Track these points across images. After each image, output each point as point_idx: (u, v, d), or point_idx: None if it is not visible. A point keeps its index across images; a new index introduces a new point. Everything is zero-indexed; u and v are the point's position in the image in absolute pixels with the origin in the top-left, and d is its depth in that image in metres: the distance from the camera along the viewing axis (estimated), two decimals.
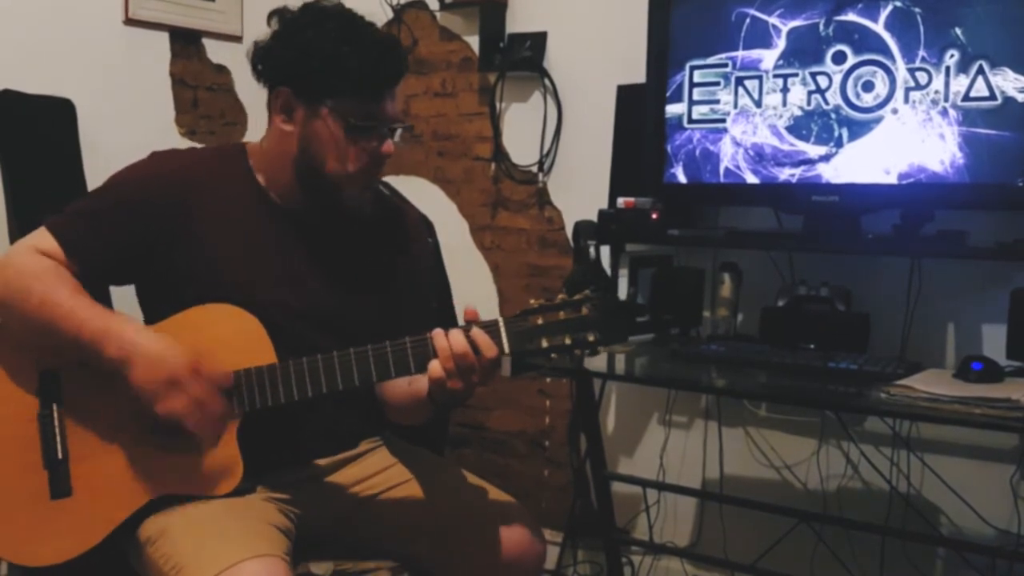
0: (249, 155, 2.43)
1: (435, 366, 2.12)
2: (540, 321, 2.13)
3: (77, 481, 2.26)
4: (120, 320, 2.19)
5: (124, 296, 2.49)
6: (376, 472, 2.51)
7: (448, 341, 2.12)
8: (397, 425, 2.58)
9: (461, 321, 2.22)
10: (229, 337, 2.27)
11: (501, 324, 2.16)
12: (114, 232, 2.29)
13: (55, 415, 2.28)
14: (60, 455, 2.26)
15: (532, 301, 2.16)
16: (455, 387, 2.14)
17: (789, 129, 3.13)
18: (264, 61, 2.32)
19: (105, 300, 2.54)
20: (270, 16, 2.33)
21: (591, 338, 2.12)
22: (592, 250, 3.20)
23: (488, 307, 4.13)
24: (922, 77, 2.93)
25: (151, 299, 2.40)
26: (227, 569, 2.01)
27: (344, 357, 2.20)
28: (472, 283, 4.04)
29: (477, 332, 2.14)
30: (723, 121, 3.25)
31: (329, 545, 2.45)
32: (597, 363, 3.18)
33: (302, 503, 2.39)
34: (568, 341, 2.12)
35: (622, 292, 3.37)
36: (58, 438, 2.27)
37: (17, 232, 3.11)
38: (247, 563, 2.03)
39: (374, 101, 2.27)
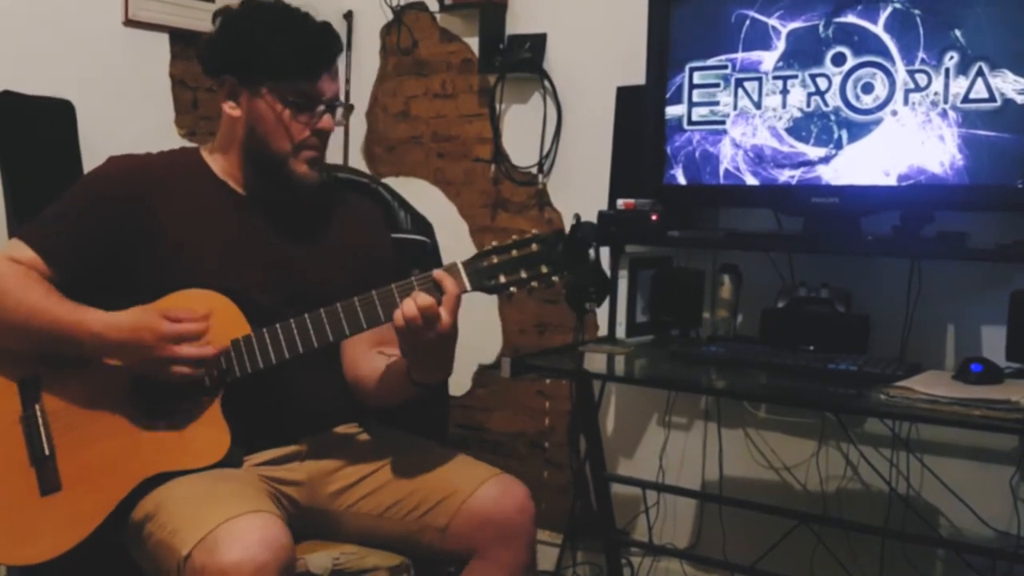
0: (202, 153, 2.56)
1: (397, 315, 2.22)
2: (495, 260, 2.28)
3: (66, 475, 2.30)
4: (87, 312, 2.30)
5: None
6: (364, 448, 2.56)
7: (412, 296, 2.23)
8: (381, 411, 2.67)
9: None
10: None
11: (460, 265, 2.28)
12: (85, 231, 2.39)
13: (38, 414, 2.32)
14: (47, 451, 2.30)
15: (487, 245, 2.30)
16: (420, 334, 2.23)
17: (789, 131, 3.13)
18: (209, 54, 2.49)
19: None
20: (214, 16, 2.50)
21: (544, 270, 2.27)
22: (592, 251, 3.20)
23: (488, 307, 4.13)
24: (921, 79, 2.93)
25: (122, 298, 2.42)
26: (224, 523, 2.04)
27: (315, 316, 2.30)
28: None
29: (439, 273, 2.27)
30: (723, 123, 3.25)
31: (319, 538, 2.47)
32: (597, 364, 3.22)
33: (291, 479, 2.44)
34: (524, 275, 2.27)
35: (621, 292, 3.37)
36: (43, 435, 2.31)
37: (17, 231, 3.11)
38: (243, 517, 2.06)
39: (310, 80, 2.41)
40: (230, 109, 2.47)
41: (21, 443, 2.31)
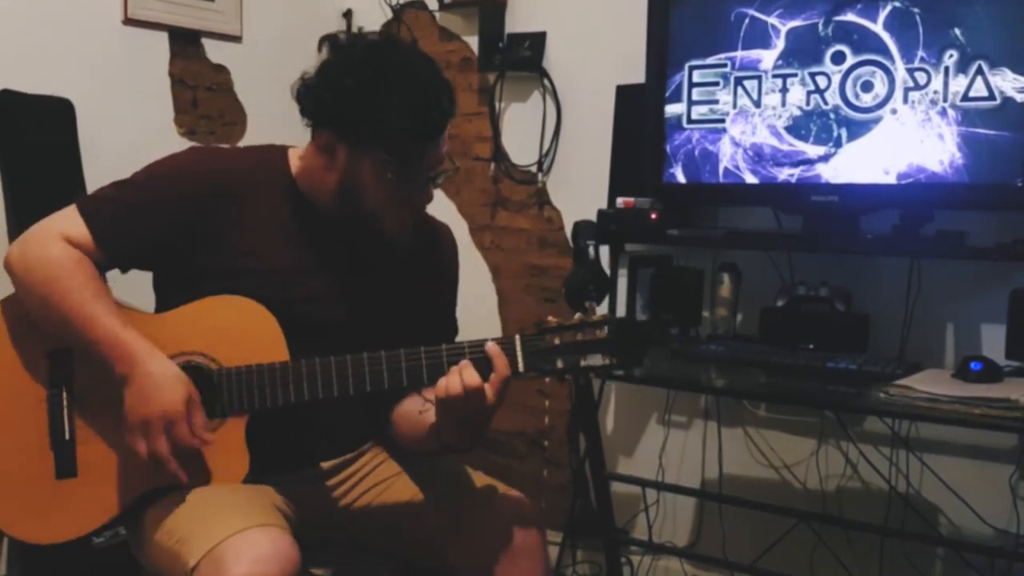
0: (291, 161, 2.39)
1: (440, 386, 2.12)
2: (557, 341, 2.13)
3: (83, 463, 2.27)
4: (133, 339, 2.18)
5: (135, 277, 2.45)
6: (374, 469, 2.51)
7: (459, 369, 2.12)
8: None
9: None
10: (243, 331, 2.27)
11: (518, 342, 2.15)
12: (148, 226, 2.27)
13: (64, 396, 2.28)
14: (67, 436, 2.27)
15: (550, 318, 2.16)
16: (460, 409, 2.14)
17: (788, 129, 3.14)
18: (308, 101, 2.27)
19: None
20: (321, 41, 2.29)
21: (607, 361, 2.12)
22: (591, 250, 3.20)
23: (488, 307, 4.13)
24: (921, 77, 2.93)
25: (171, 287, 2.38)
26: (231, 536, 2.01)
27: (357, 361, 2.20)
28: (472, 283, 4.01)
29: (493, 348, 2.14)
30: (722, 121, 3.25)
31: (329, 549, 2.45)
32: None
33: (303, 503, 2.39)
34: (583, 363, 2.13)
35: (621, 291, 3.37)
36: (66, 419, 2.27)
37: (16, 234, 3.11)
38: (252, 531, 2.03)
39: (416, 155, 2.23)
40: (324, 160, 2.28)
41: (44, 422, 2.27)
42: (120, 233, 2.26)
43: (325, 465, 2.46)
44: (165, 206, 2.27)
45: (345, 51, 2.25)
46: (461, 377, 2.09)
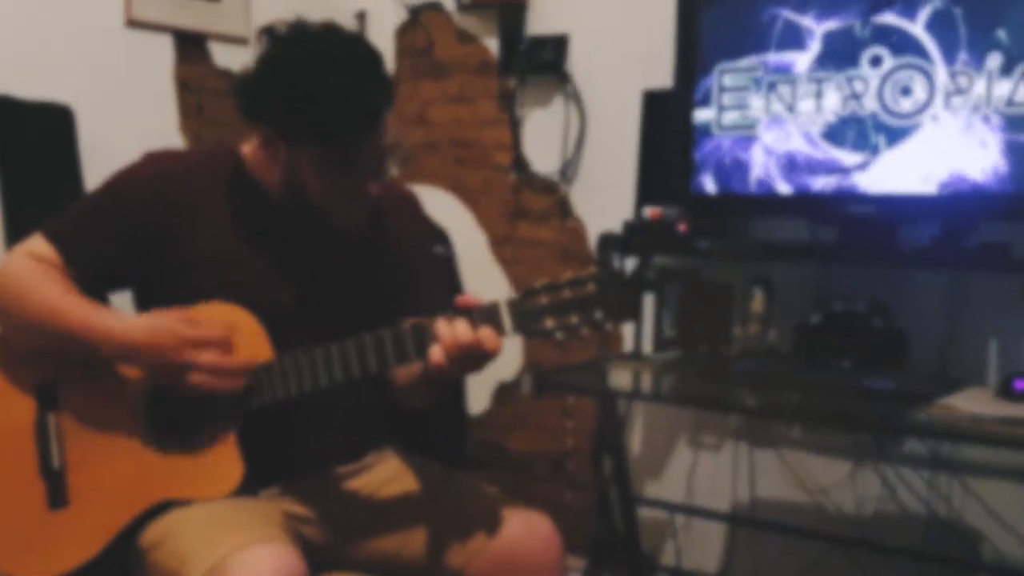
0: (244, 152, 2.42)
1: (436, 352, 2.08)
2: (544, 301, 2.09)
3: (75, 490, 2.26)
4: (107, 315, 2.22)
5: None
6: (383, 484, 2.48)
7: (453, 330, 2.08)
8: (410, 429, 2.61)
9: None
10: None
11: (503, 305, 2.10)
12: (109, 234, 2.31)
13: (51, 425, 2.28)
14: (57, 464, 2.26)
15: (537, 282, 2.12)
16: (453, 374, 2.14)
17: (823, 136, 3.08)
18: (243, 97, 2.26)
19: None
20: (259, 33, 2.26)
21: (597, 316, 2.07)
22: (617, 263, 3.15)
23: None
24: (963, 81, 2.87)
25: (147, 301, 2.38)
26: (235, 552, 1.99)
27: (342, 348, 2.18)
28: (490, 297, 3.99)
29: (479, 323, 2.10)
30: (754, 127, 3.19)
31: (335, 565, 2.41)
32: (622, 382, 3.19)
33: (310, 520, 2.37)
34: (574, 320, 2.08)
35: (648, 306, 3.33)
36: (54, 448, 2.27)
37: (15, 242, 3.09)
38: (256, 545, 2.01)
39: (351, 147, 2.21)
40: (266, 154, 2.30)
41: (33, 452, 2.27)
42: (82, 244, 2.31)
43: (329, 474, 2.44)
44: (119, 213, 2.31)
45: (278, 44, 2.22)
46: (454, 331, 2.07)
